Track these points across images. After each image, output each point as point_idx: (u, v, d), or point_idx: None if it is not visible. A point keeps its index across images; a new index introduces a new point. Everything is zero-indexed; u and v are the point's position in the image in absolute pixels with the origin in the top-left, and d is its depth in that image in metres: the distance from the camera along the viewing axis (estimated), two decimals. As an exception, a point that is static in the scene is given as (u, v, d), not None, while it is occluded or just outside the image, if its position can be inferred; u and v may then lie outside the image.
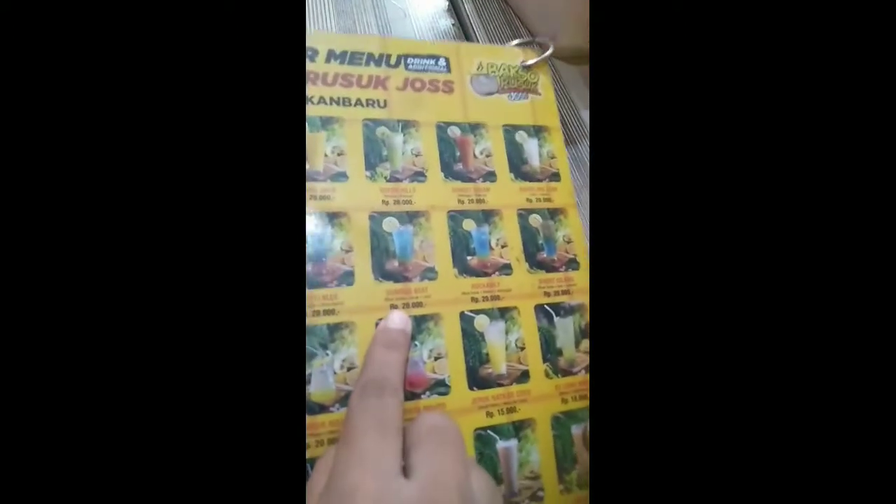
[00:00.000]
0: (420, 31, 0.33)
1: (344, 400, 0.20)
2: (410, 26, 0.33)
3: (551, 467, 0.21)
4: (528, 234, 0.25)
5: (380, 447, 0.15)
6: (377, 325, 0.21)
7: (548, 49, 0.28)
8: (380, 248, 0.23)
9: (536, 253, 0.25)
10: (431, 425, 0.17)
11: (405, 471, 0.16)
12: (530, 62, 0.28)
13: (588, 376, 0.23)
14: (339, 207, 0.23)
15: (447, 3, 0.36)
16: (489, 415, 0.21)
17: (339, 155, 0.24)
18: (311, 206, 0.22)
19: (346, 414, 0.17)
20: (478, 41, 0.34)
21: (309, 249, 0.22)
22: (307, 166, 0.23)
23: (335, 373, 0.20)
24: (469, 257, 0.24)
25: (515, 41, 0.29)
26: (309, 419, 0.19)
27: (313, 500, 0.15)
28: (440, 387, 0.21)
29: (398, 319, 0.21)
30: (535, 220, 0.25)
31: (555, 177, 0.27)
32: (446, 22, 0.35)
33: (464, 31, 0.34)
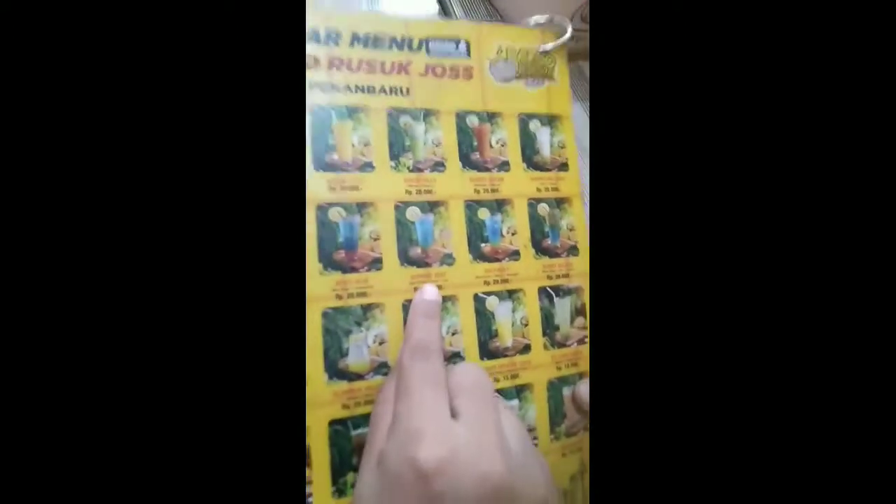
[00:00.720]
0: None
1: (378, 368, 0.24)
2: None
3: (545, 421, 0.26)
4: (535, 223, 0.27)
5: (434, 399, 0.20)
6: (403, 305, 0.24)
7: (566, 32, 0.29)
8: (404, 236, 0.25)
9: (542, 240, 0.28)
10: (468, 377, 0.22)
11: (451, 413, 0.20)
12: (548, 47, 0.29)
13: (579, 348, 0.27)
14: (366, 198, 0.25)
15: (437, 7, 0.37)
16: (496, 380, 0.26)
17: (365, 145, 0.25)
18: (342, 196, 0.24)
19: (399, 372, 0.21)
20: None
21: (341, 237, 0.24)
22: (336, 157, 0.25)
23: (369, 346, 0.24)
24: (483, 244, 0.26)
25: (535, 18, 0.29)
26: (347, 385, 0.23)
27: (382, 425, 0.20)
28: (456, 358, 0.25)
29: (432, 292, 0.24)
30: (542, 210, 0.28)
31: (563, 167, 0.29)
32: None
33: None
